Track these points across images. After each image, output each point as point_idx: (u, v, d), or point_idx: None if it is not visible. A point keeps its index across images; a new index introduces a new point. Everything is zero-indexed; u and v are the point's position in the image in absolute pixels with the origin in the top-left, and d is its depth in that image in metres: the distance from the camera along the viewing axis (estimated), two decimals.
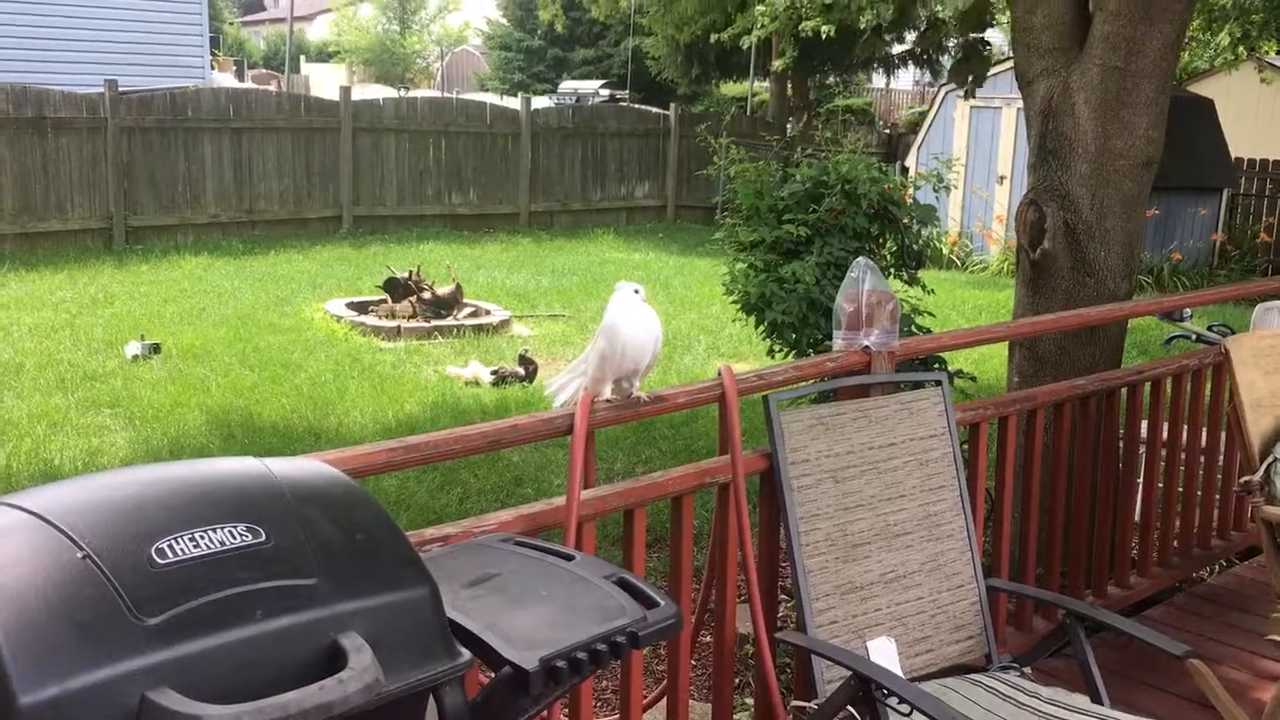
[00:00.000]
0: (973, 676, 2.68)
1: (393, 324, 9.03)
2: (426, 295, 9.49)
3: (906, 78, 28.72)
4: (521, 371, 7.63)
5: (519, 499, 5.38)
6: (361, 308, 9.52)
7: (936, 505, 2.86)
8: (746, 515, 2.57)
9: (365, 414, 6.69)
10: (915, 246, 4.58)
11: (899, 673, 2.64)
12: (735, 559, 2.66)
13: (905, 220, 4.53)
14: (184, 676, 1.27)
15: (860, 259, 2.89)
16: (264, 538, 1.41)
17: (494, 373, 7.60)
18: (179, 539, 1.37)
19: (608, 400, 2.42)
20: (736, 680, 3.23)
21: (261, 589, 1.37)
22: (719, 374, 2.59)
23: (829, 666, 2.58)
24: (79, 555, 1.31)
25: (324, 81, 31.05)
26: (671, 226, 16.44)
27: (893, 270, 4.59)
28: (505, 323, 9.36)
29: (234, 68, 32.78)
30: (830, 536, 2.68)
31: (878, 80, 29.89)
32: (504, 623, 1.67)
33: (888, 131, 19.24)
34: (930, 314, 4.66)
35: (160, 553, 1.34)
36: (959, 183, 12.93)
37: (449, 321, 9.23)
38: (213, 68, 21.59)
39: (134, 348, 7.74)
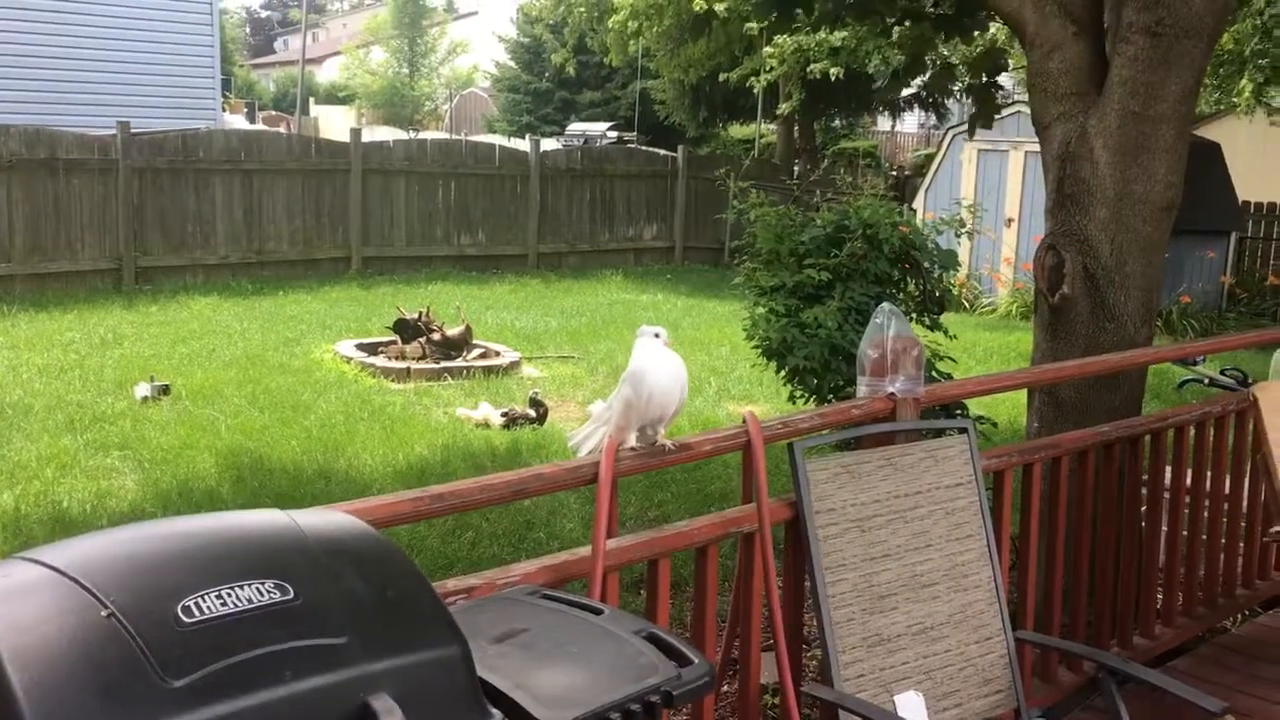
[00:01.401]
0: None
1: (402, 365, 9.01)
2: (436, 336, 9.48)
3: (912, 120, 28.87)
4: (532, 413, 7.59)
5: (531, 543, 5.33)
6: (371, 349, 9.51)
7: (963, 555, 2.81)
8: (773, 566, 2.52)
9: (376, 456, 6.65)
10: (937, 291, 4.56)
11: None
12: (760, 609, 2.61)
13: (927, 265, 4.51)
14: None
15: (885, 305, 2.87)
16: (292, 595, 1.37)
17: (504, 415, 7.57)
18: (206, 596, 1.33)
19: (632, 448, 2.38)
20: None
21: (291, 649, 1.33)
22: (744, 421, 2.56)
23: None
24: (104, 614, 1.28)
25: (333, 123, 31.30)
26: (679, 268, 16.46)
27: (914, 315, 4.57)
28: (515, 364, 9.34)
29: (245, 110, 33.05)
30: (857, 587, 2.64)
31: (883, 123, 30.05)
32: (533, 680, 1.63)
33: (894, 174, 19.30)
34: (952, 359, 4.63)
35: (187, 611, 1.31)
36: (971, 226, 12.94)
37: (459, 363, 9.21)
38: (224, 109, 21.75)
39: (143, 389, 7.72)
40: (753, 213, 4.77)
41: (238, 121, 26.08)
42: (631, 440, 2.38)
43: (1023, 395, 5.45)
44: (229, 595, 1.34)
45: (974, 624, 2.79)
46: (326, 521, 1.58)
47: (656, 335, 2.41)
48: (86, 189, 12.06)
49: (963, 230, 5.02)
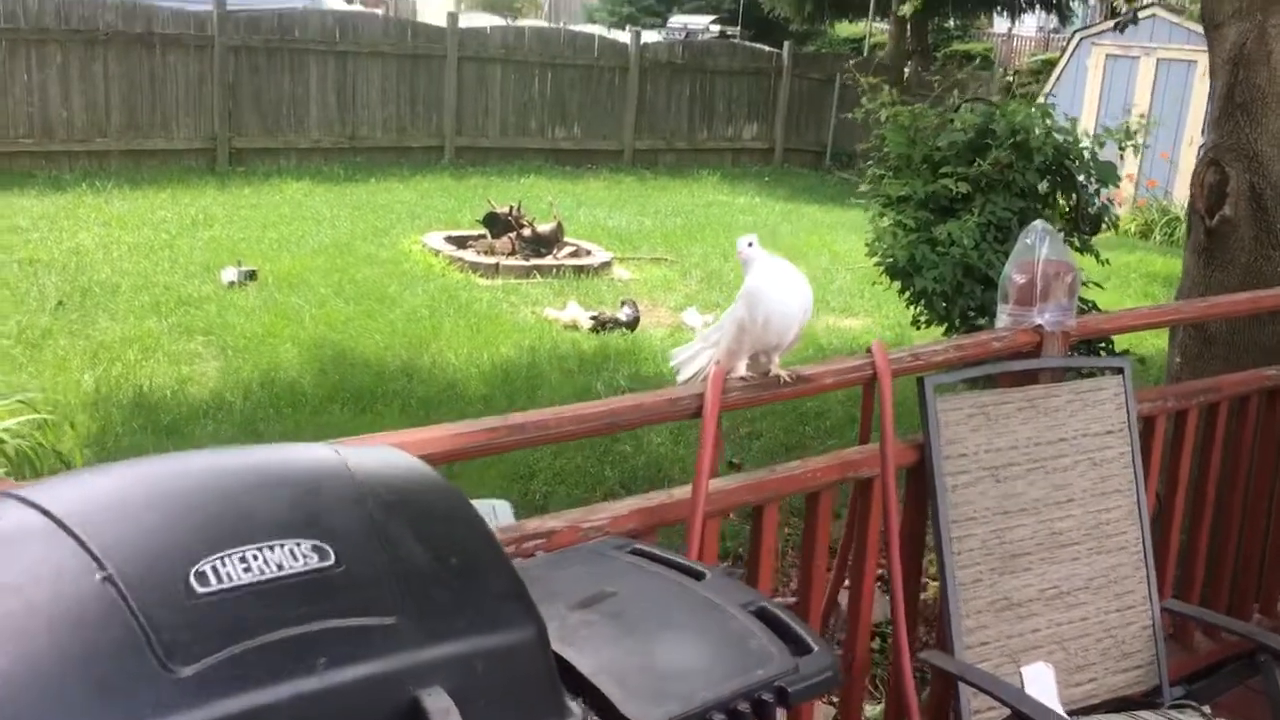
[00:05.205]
0: (1143, 715, 2.31)
1: (491, 260, 8.78)
2: (526, 232, 9.21)
3: (1031, 23, 27.40)
4: (623, 318, 7.32)
5: (616, 456, 5.09)
6: (460, 242, 9.28)
7: (1109, 513, 2.48)
8: (896, 517, 2.21)
9: (460, 355, 6.45)
10: (1091, 209, 4.10)
11: (1057, 704, 2.29)
12: (874, 564, 2.32)
13: (1082, 179, 4.04)
14: None
15: (1037, 223, 2.49)
16: (333, 560, 1.10)
17: (594, 318, 7.30)
18: (227, 559, 1.07)
19: (742, 378, 2.07)
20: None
21: (327, 629, 1.06)
22: (869, 351, 2.23)
23: (976, 694, 2.24)
24: (99, 577, 1.02)
25: (430, 6, 30.70)
26: (778, 170, 15.90)
27: (1063, 235, 4.13)
28: (606, 264, 9.05)
29: None
30: (986, 544, 2.32)
31: (999, 25, 28.60)
32: (622, 662, 1.36)
33: (1008, 79, 18.32)
34: (1098, 285, 4.17)
35: (201, 577, 1.04)
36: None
37: (548, 260, 8.94)
38: None
39: (230, 273, 7.60)
40: (883, 112, 4.30)
41: (334, 2, 25.75)
42: (741, 369, 2.07)
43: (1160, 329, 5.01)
44: (254, 559, 1.07)
45: (1115, 590, 2.46)
46: (383, 463, 1.30)
47: (750, 244, 2.05)
48: (182, 66, 11.92)
49: (1128, 143, 4.53)
